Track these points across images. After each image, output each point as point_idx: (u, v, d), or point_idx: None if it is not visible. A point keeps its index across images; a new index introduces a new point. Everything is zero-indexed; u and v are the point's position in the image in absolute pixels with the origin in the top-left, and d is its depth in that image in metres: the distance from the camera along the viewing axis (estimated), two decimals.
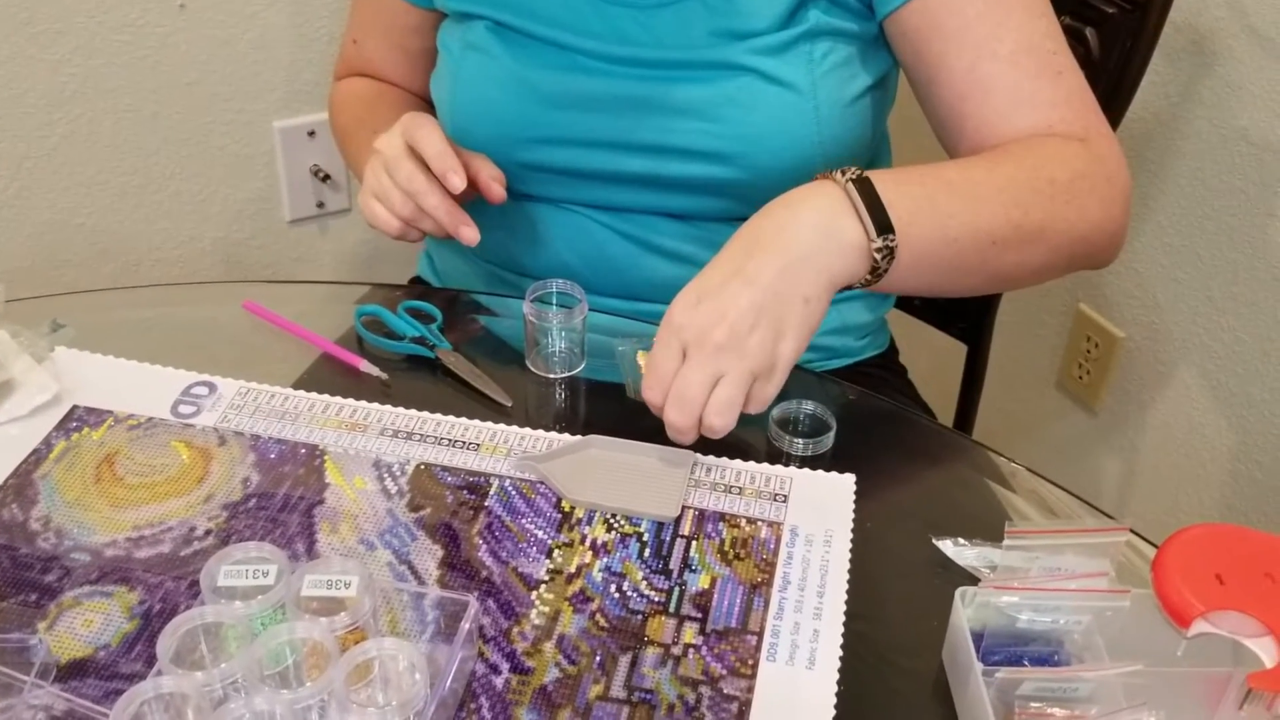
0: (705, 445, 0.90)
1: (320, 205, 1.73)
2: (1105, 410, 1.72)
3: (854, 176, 0.86)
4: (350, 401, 0.94)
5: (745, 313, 0.83)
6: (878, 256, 0.86)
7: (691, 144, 1.00)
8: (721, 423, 0.84)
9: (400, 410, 0.93)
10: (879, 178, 0.86)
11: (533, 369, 0.98)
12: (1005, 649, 0.72)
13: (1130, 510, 1.70)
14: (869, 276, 0.87)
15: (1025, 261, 0.93)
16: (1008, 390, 1.84)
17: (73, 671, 0.73)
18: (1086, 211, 0.92)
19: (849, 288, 0.88)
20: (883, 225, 0.85)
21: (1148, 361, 1.64)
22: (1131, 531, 0.75)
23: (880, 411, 0.98)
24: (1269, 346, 1.47)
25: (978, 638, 0.72)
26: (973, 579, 0.81)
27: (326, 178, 1.69)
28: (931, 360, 1.37)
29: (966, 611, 0.73)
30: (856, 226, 0.85)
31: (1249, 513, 1.54)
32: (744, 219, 0.96)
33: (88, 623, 0.76)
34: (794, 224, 0.85)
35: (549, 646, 0.76)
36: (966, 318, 1.32)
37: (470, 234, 0.96)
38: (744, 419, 0.94)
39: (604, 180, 1.04)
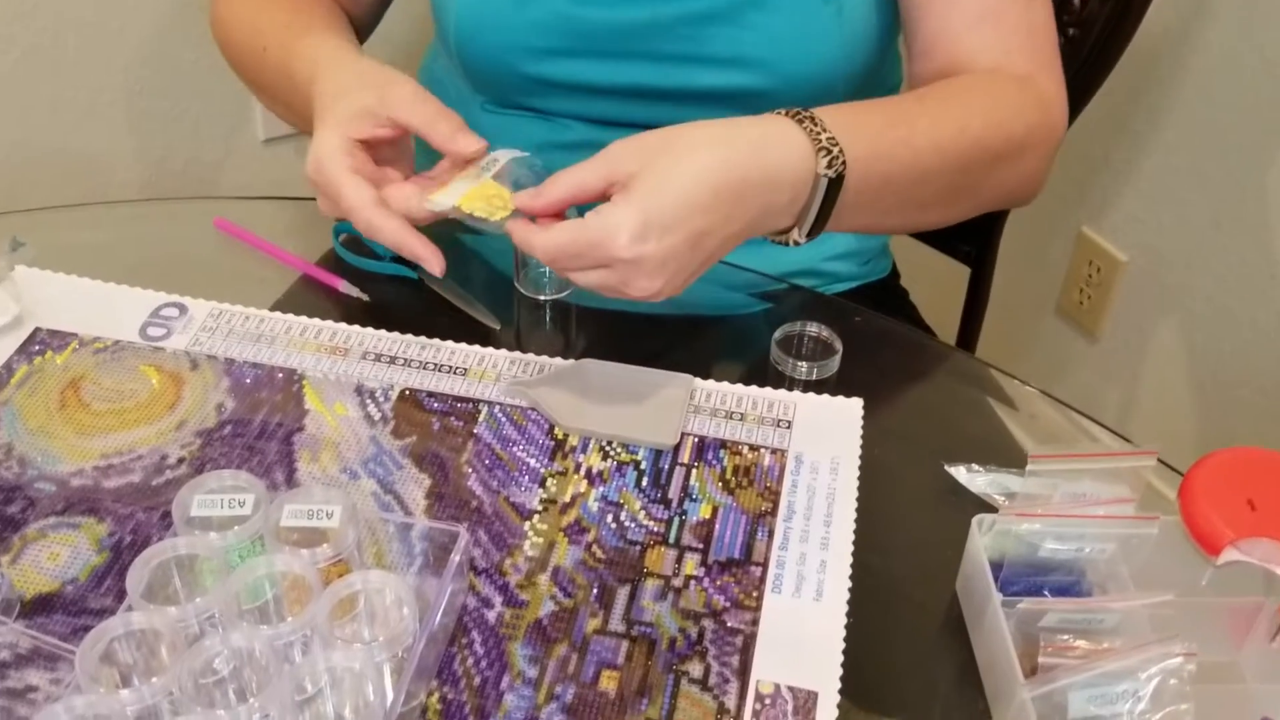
0: (706, 370, 0.86)
1: None
2: (1106, 336, 1.68)
3: (833, 174, 0.77)
4: (329, 324, 0.89)
5: (682, 273, 0.75)
6: (791, 244, 0.81)
7: (716, 51, 0.94)
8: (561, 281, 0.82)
9: (382, 333, 0.88)
10: (854, 159, 0.78)
11: (522, 290, 0.94)
12: (1024, 579, 0.68)
13: (1130, 437, 1.67)
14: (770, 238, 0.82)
15: (940, 218, 0.93)
16: (1005, 316, 1.79)
17: (38, 608, 0.69)
18: (1025, 168, 0.91)
19: None
20: (816, 230, 0.80)
21: (1151, 286, 1.60)
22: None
23: (887, 333, 0.94)
24: (1276, 270, 1.43)
25: (995, 568, 0.68)
26: (985, 506, 0.78)
27: None
28: (933, 283, 1.33)
29: (983, 540, 0.69)
30: (795, 214, 0.79)
31: (1251, 439, 1.50)
32: None
33: (53, 556, 0.72)
34: (769, 195, 0.77)
35: (543, 579, 0.72)
36: (971, 241, 1.28)
37: (436, 264, 0.79)
38: (747, 343, 0.90)
39: (617, 95, 0.98)
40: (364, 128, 0.80)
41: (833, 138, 0.78)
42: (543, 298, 0.93)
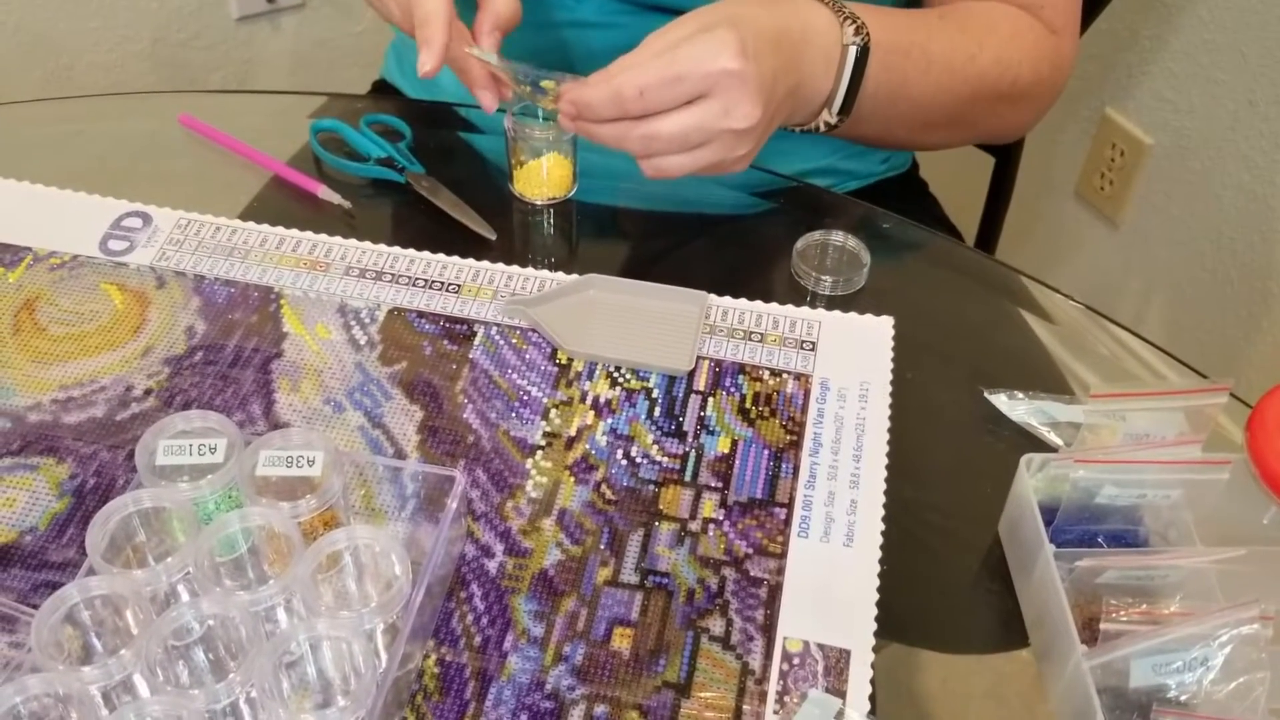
0: (720, 284, 0.78)
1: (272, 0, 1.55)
2: (1127, 223, 1.60)
3: (860, 43, 0.77)
4: (309, 235, 0.81)
5: (770, 106, 0.73)
6: (822, 127, 0.81)
7: None
8: (654, 172, 0.74)
9: (367, 245, 0.81)
10: (876, 44, 0.78)
11: (517, 194, 0.85)
12: (1078, 528, 0.62)
13: (1148, 329, 1.60)
14: (798, 129, 0.82)
15: (939, 141, 0.94)
16: (1020, 202, 1.71)
17: None
18: (1022, 114, 0.91)
19: None
20: (846, 106, 0.79)
21: (1177, 171, 1.52)
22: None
23: (918, 242, 0.86)
24: None
25: (1044, 511, 0.62)
26: (1027, 435, 0.71)
27: None
28: (948, 170, 1.25)
29: (1032, 482, 0.63)
30: (828, 87, 0.78)
31: (1276, 334, 1.44)
32: None
33: (9, 502, 0.66)
34: (809, 50, 0.76)
35: (548, 523, 0.66)
36: None
37: (487, 100, 0.79)
38: (765, 254, 0.83)
39: None
40: None
41: (855, 14, 0.78)
42: (540, 203, 0.85)
